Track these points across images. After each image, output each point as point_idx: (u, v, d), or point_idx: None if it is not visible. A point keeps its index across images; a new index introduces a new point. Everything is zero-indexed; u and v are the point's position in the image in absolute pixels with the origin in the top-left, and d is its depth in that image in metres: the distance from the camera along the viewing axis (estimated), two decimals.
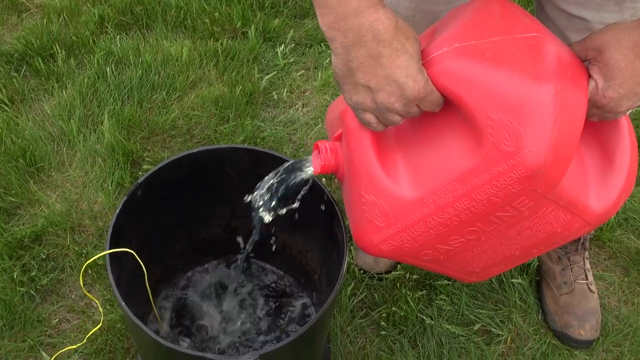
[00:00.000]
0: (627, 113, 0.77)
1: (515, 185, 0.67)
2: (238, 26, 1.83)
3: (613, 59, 0.70)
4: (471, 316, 1.31)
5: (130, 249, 0.84)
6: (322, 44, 1.84)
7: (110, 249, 0.82)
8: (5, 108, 1.59)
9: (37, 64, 1.68)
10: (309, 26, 1.88)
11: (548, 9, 1.00)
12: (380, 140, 0.78)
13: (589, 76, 0.71)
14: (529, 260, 1.38)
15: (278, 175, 0.87)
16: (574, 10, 0.94)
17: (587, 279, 1.34)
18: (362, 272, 1.36)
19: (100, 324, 1.20)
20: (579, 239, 1.33)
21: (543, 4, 1.01)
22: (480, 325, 1.30)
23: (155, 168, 0.90)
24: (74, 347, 1.21)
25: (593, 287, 1.34)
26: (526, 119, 0.64)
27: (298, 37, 1.85)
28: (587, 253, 1.35)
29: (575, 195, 0.70)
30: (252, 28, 1.82)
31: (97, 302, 1.27)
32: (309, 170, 0.85)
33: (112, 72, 1.68)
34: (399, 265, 1.37)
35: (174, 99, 1.66)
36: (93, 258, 1.15)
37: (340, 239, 0.87)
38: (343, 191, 0.86)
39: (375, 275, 1.35)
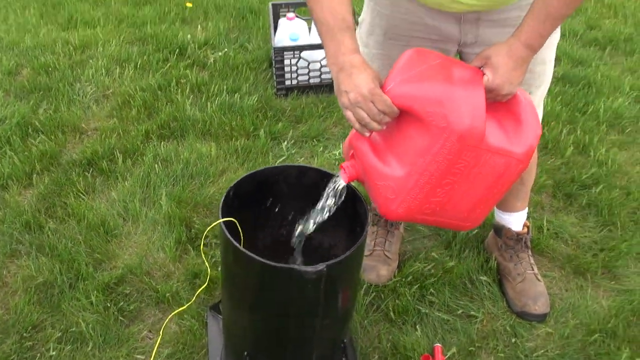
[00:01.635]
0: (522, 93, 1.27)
1: (455, 145, 1.15)
2: (251, 130, 2.41)
3: (495, 61, 1.24)
4: (454, 305, 1.76)
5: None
6: (314, 140, 2.41)
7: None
8: (83, 197, 2.07)
9: (102, 166, 2.20)
10: (303, 128, 2.47)
11: (465, 57, 1.56)
12: (375, 148, 1.28)
13: (484, 74, 1.26)
14: (491, 262, 1.86)
15: (326, 195, 1.34)
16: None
17: (533, 270, 1.81)
18: (369, 285, 1.81)
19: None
20: (522, 239, 1.83)
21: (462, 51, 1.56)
22: (461, 311, 1.74)
23: (236, 181, 1.39)
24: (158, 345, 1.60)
25: (539, 277, 1.81)
26: (446, 106, 1.14)
27: (296, 136, 2.43)
28: (530, 251, 1.85)
29: (500, 143, 1.18)
30: (262, 131, 2.40)
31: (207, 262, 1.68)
32: (342, 183, 1.35)
33: (160, 168, 2.20)
34: (394, 275, 1.83)
35: (209, 183, 2.18)
36: (213, 225, 1.59)
37: (362, 212, 1.35)
38: (365, 187, 1.35)
39: (380, 285, 1.81)
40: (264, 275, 1.28)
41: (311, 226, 1.39)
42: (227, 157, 2.29)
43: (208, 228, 1.79)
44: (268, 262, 1.21)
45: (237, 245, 1.26)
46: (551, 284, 1.85)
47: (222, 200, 1.34)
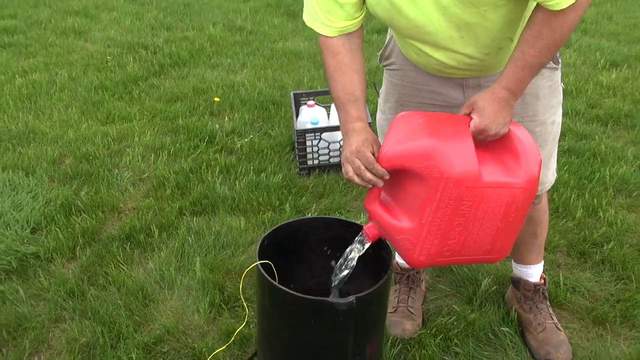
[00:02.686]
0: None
1: (454, 190, 1.27)
2: (277, 205, 2.57)
3: (481, 105, 1.37)
4: (478, 356, 1.82)
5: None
6: (336, 212, 2.56)
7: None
8: (123, 267, 2.21)
9: (139, 239, 2.35)
10: (326, 202, 2.63)
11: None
12: (386, 207, 1.39)
13: (471, 118, 1.38)
14: (512, 314, 1.93)
15: (353, 256, 1.49)
16: None
17: (553, 320, 1.89)
18: (395, 339, 1.88)
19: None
20: (539, 289, 1.91)
21: None
22: None
23: (270, 230, 1.53)
24: None
25: (559, 326, 1.88)
26: (435, 157, 1.26)
27: (319, 209, 2.58)
28: (548, 302, 1.93)
29: (499, 178, 1.30)
30: (287, 205, 2.56)
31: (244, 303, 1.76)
32: (367, 244, 1.49)
33: (193, 240, 2.35)
34: (420, 327, 1.90)
35: (239, 252, 2.31)
36: (251, 266, 1.69)
37: (385, 256, 1.48)
38: (389, 242, 1.47)
39: (405, 338, 1.88)
40: (298, 310, 1.39)
41: (342, 279, 1.52)
42: (256, 229, 2.44)
43: (245, 271, 1.91)
44: (302, 295, 1.33)
45: (273, 282, 1.38)
46: (572, 335, 1.91)
47: (257, 247, 1.48)
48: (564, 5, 1.26)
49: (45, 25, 5.08)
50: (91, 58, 4.29)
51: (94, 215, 2.51)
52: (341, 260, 1.52)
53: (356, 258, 1.50)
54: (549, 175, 1.75)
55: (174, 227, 2.45)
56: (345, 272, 1.51)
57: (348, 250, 1.50)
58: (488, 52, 1.48)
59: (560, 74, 1.68)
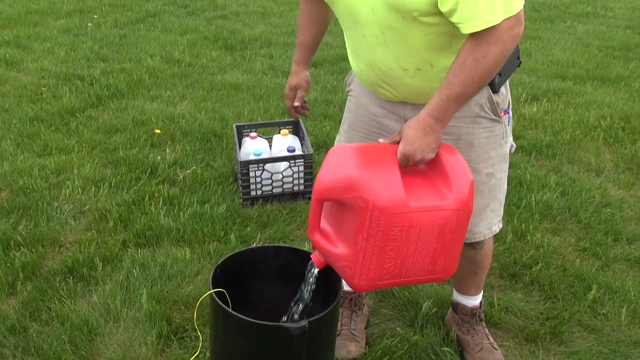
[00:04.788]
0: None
1: (381, 217, 1.33)
2: (221, 235, 2.61)
3: (407, 132, 1.43)
4: None
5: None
6: (280, 241, 2.62)
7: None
8: (66, 301, 2.18)
9: (82, 272, 2.32)
10: (270, 231, 2.68)
11: None
12: (326, 236, 1.46)
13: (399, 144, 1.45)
14: (451, 334, 2.04)
15: (307, 282, 1.55)
16: None
17: (489, 340, 2.00)
18: None
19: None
20: (476, 313, 2.02)
21: None
22: None
23: (222, 259, 1.58)
24: None
25: (495, 346, 1.99)
26: (360, 188, 1.33)
27: (264, 238, 2.63)
28: (484, 323, 2.04)
29: (428, 202, 1.37)
30: (232, 235, 2.59)
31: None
32: (315, 270, 1.55)
33: (138, 272, 2.34)
34: (364, 349, 1.97)
35: (185, 283, 2.32)
36: (205, 294, 1.71)
37: (335, 281, 1.55)
38: (333, 267, 1.54)
39: None
40: (253, 336, 1.43)
41: (301, 308, 1.58)
42: (201, 259, 2.46)
43: (200, 299, 1.93)
44: (256, 321, 1.38)
45: (228, 309, 1.42)
46: (507, 352, 2.03)
47: (210, 276, 1.53)
48: (473, 30, 1.32)
49: None
50: (25, 89, 4.20)
51: (33, 250, 2.46)
52: (298, 294, 1.58)
53: (310, 288, 1.57)
54: (481, 226, 1.76)
55: (118, 260, 2.43)
56: (301, 306, 1.58)
57: (305, 283, 1.56)
58: (406, 67, 1.53)
59: (506, 131, 1.70)
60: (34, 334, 2.02)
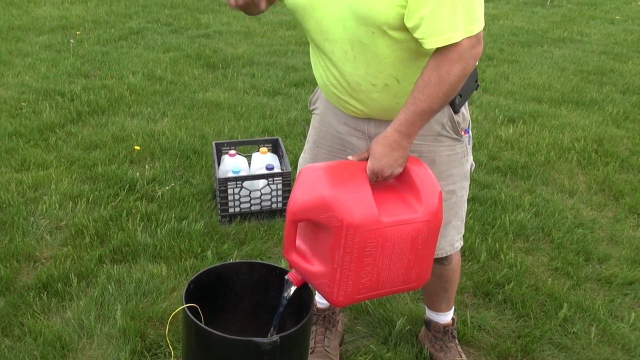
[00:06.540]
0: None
1: (356, 235, 1.36)
2: (199, 252, 2.61)
3: (374, 149, 1.46)
4: None
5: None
6: (257, 259, 2.63)
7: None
8: (39, 316, 2.17)
9: (57, 288, 2.31)
10: (247, 249, 2.69)
11: None
12: (303, 256, 1.49)
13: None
14: (424, 352, 2.06)
15: (284, 301, 1.57)
16: None
17: (462, 357, 2.03)
18: None
19: None
20: (448, 330, 2.05)
21: None
22: None
23: (196, 274, 1.59)
24: None
25: None
26: (334, 207, 1.35)
27: (241, 255, 2.64)
28: (457, 340, 2.07)
29: (400, 216, 1.40)
30: (209, 252, 2.60)
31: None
32: (293, 287, 1.57)
33: (113, 288, 2.34)
34: None
35: (161, 300, 2.32)
36: (178, 309, 1.71)
37: (307, 297, 1.57)
38: (311, 285, 1.56)
39: None
40: (224, 351, 1.44)
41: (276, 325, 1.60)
42: (178, 276, 2.46)
43: (172, 314, 1.93)
44: (228, 336, 1.39)
45: (200, 324, 1.43)
46: None
47: (184, 291, 1.54)
48: (435, 45, 1.38)
49: None
50: (4, 104, 4.18)
51: (8, 265, 2.44)
52: (278, 312, 1.60)
53: (285, 303, 1.58)
54: (443, 242, 1.77)
55: (94, 276, 2.42)
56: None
57: (282, 301, 1.58)
58: (375, 82, 1.56)
59: (467, 150, 1.75)
60: (5, 349, 2.00)
